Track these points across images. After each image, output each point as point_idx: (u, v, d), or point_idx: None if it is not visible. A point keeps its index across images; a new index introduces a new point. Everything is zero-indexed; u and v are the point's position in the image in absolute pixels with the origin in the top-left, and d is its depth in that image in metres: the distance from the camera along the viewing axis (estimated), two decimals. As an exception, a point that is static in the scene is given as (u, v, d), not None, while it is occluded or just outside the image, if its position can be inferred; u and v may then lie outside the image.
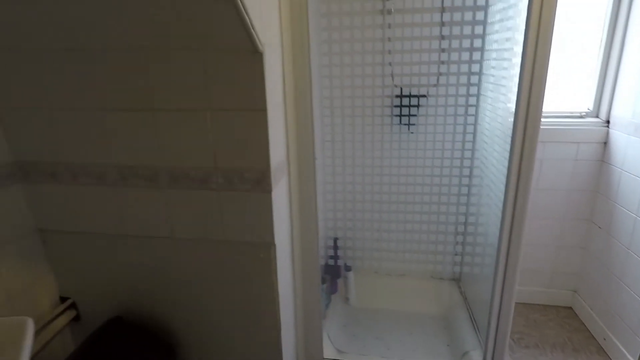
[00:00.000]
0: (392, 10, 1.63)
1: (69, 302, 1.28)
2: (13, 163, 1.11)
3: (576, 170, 1.92)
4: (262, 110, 0.99)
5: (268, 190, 1.06)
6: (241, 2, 0.79)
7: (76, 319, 1.30)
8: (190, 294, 1.21)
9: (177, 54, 0.97)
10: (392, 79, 1.75)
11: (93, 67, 1.01)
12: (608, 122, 1.84)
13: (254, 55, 0.95)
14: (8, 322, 0.73)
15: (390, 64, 1.71)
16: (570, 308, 2.13)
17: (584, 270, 2.03)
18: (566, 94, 1.93)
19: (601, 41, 1.81)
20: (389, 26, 1.64)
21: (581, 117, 1.92)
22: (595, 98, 1.88)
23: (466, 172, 1.76)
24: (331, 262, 1.98)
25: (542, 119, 1.87)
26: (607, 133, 1.84)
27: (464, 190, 1.80)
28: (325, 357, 1.55)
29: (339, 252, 1.98)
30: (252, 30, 0.87)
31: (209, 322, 1.24)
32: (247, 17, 0.83)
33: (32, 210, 1.17)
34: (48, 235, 1.20)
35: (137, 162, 1.08)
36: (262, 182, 1.05)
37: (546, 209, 2.02)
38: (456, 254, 1.90)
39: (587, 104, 1.91)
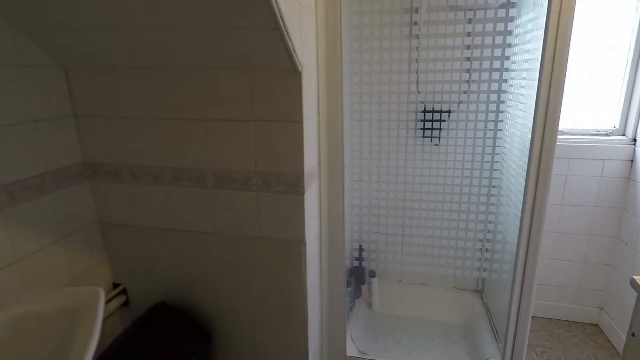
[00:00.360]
0: (419, 33, 1.76)
1: (120, 288, 1.46)
2: (83, 163, 1.31)
3: (602, 186, 1.96)
4: (298, 121, 1.14)
5: (301, 193, 1.20)
6: (285, 30, 0.94)
7: (125, 303, 1.47)
8: (227, 285, 1.35)
9: (228, 72, 1.13)
10: (418, 95, 1.87)
11: (156, 82, 1.19)
12: (635, 140, 1.88)
13: (294, 74, 1.10)
14: (86, 290, 0.90)
15: (417, 82, 1.83)
16: (597, 325, 2.14)
17: (611, 287, 2.05)
18: (593, 113, 1.99)
19: (627, 60, 1.87)
20: (417, 48, 1.77)
21: (607, 135, 1.97)
22: (622, 116, 1.92)
23: (488, 185, 1.84)
24: (356, 263, 2.08)
25: (569, 136, 1.94)
26: (634, 151, 1.88)
27: (486, 203, 1.87)
28: (347, 354, 1.66)
29: (364, 259, 2.09)
30: (293, 53, 1.02)
31: (242, 312, 1.38)
32: (290, 43, 0.98)
33: (96, 205, 1.36)
34: (107, 227, 1.39)
35: (188, 165, 1.25)
36: (296, 185, 1.19)
37: (572, 225, 2.06)
38: (479, 266, 1.97)
39: (614, 122, 1.96)
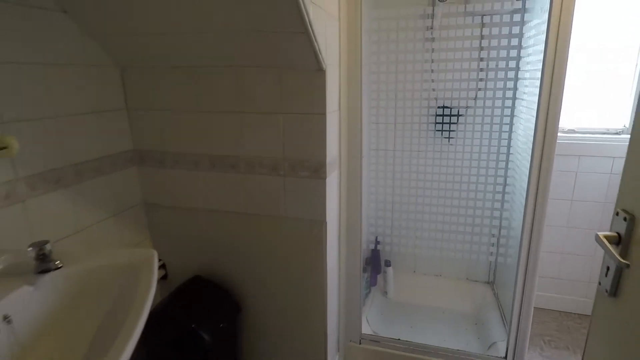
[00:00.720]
0: (434, 36, 1.91)
1: (160, 263, 1.65)
2: (132, 150, 1.51)
3: (612, 183, 2.06)
4: (322, 114, 1.31)
5: (323, 178, 1.36)
6: (313, 34, 1.11)
7: (164, 277, 1.66)
8: (255, 261, 1.53)
9: (259, 70, 1.31)
10: (431, 93, 2.01)
11: (197, 80, 1.38)
12: (644, 138, 1.97)
13: (319, 72, 1.27)
14: (144, 250, 1.08)
15: (432, 82, 1.98)
16: (606, 319, 2.22)
17: (620, 282, 2.13)
18: (603, 112, 2.09)
19: (637, 62, 1.96)
20: (432, 50, 1.91)
21: (617, 133, 2.06)
22: (631, 115, 2.02)
23: (500, 181, 1.96)
24: (372, 253, 2.23)
25: (580, 135, 2.05)
26: (643, 149, 1.97)
27: (498, 198, 1.99)
28: (363, 332, 1.81)
29: (380, 249, 2.24)
30: (319, 54, 1.19)
31: (267, 287, 1.55)
32: (316, 45, 1.15)
33: (141, 187, 1.56)
34: (150, 207, 1.58)
35: (224, 152, 1.43)
36: (319, 170, 1.35)
37: (582, 220, 2.15)
38: (490, 258, 2.08)
39: (624, 122, 2.05)
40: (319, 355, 1.60)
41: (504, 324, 1.96)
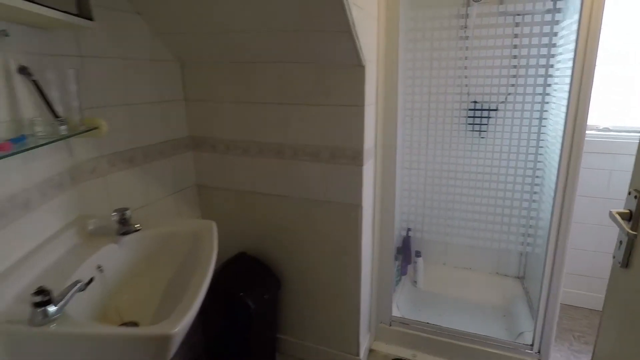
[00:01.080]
0: (469, 35, 2.01)
1: (208, 241, 1.84)
2: (189, 137, 1.70)
3: (648, 182, 2.08)
4: (360, 106, 1.45)
5: (360, 165, 1.50)
6: (355, 33, 1.25)
7: (212, 254, 1.85)
8: (295, 240, 1.69)
9: (305, 66, 1.47)
10: (463, 90, 2.11)
11: (247, 74, 1.55)
12: (682, 137, 1.99)
13: (359, 68, 1.41)
14: (205, 221, 1.26)
15: (465, 79, 2.08)
16: None
17: (654, 281, 2.14)
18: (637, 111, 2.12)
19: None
20: (466, 48, 2.02)
21: (654, 131, 2.08)
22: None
23: (530, 174, 2.03)
24: (404, 243, 2.34)
25: (615, 133, 2.09)
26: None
27: (527, 191, 2.06)
28: (393, 314, 1.94)
29: (411, 240, 2.35)
30: (360, 51, 1.33)
31: (305, 264, 1.71)
32: (358, 43, 1.30)
33: (195, 170, 1.75)
34: (202, 189, 1.78)
35: (270, 140, 1.60)
36: (356, 158, 1.50)
37: (616, 218, 2.18)
38: (519, 249, 2.15)
39: (661, 120, 2.08)
40: (351, 332, 1.74)
41: (531, 316, 2.02)
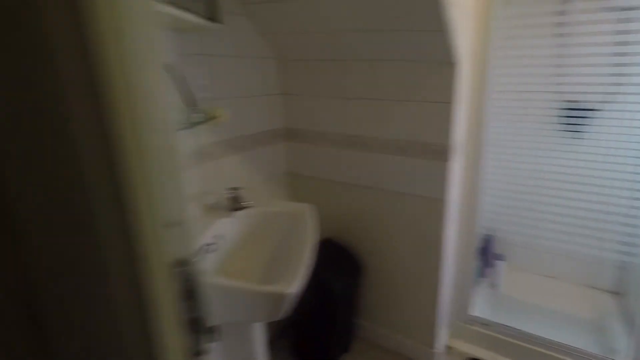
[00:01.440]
0: (566, 32, 1.96)
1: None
2: (284, 129, 1.89)
3: None
4: (449, 103, 1.51)
5: (447, 160, 1.57)
6: (450, 31, 1.33)
7: (298, 239, 2.03)
8: (379, 230, 1.80)
9: (399, 63, 1.57)
10: (558, 88, 2.06)
11: (340, 71, 1.69)
12: None
13: (450, 65, 1.48)
14: (302, 204, 1.42)
15: (560, 75, 2.03)
16: None
17: None
18: None
19: None
20: (563, 46, 1.97)
21: None
22: None
23: (630, 178, 1.92)
24: (485, 245, 2.34)
25: None
26: None
27: (629, 199, 1.95)
28: (472, 314, 1.96)
29: (492, 242, 2.34)
30: (454, 49, 1.40)
31: (387, 254, 1.80)
32: (451, 41, 1.37)
33: (287, 159, 1.93)
34: (293, 177, 1.95)
35: (359, 133, 1.72)
36: (443, 153, 1.56)
37: None
38: (615, 259, 2.04)
39: None
40: (429, 325, 1.81)
41: (627, 333, 1.92)
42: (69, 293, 0.38)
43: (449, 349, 1.97)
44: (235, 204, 1.34)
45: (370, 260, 1.87)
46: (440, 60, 1.47)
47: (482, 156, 1.77)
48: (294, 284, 0.91)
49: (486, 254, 2.38)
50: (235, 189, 1.34)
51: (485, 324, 1.95)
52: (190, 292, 0.43)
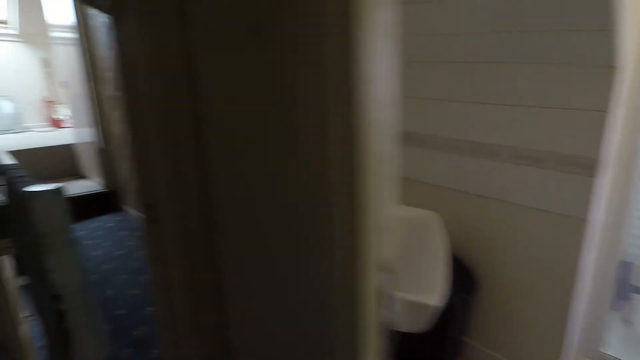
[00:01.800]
0: None
1: (405, 232, 1.98)
2: (402, 132, 1.86)
3: None
4: (603, 111, 1.35)
5: (592, 176, 1.41)
6: (617, 32, 1.19)
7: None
8: (499, 245, 1.68)
9: (541, 66, 1.44)
10: None
11: (471, 74, 1.61)
12: None
13: (609, 69, 1.32)
14: (431, 212, 1.39)
15: None
16: None
17: None
18: None
19: None
20: None
21: None
22: None
23: None
24: (626, 266, 2.07)
25: None
26: None
27: None
28: (601, 351, 1.75)
29: (632, 273, 2.06)
30: (617, 52, 1.25)
31: (508, 273, 1.68)
32: (617, 42, 1.22)
33: (402, 163, 1.90)
34: (406, 181, 1.92)
35: (486, 140, 1.62)
36: (590, 168, 1.40)
37: None
38: None
39: None
40: (550, 357, 1.65)
41: None
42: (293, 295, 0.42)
43: (571, 386, 1.78)
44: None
45: (486, 277, 1.76)
46: (598, 63, 1.33)
47: (634, 173, 1.56)
48: (437, 296, 0.89)
49: (622, 285, 2.11)
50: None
51: (621, 366, 1.73)
52: (383, 296, 0.44)
